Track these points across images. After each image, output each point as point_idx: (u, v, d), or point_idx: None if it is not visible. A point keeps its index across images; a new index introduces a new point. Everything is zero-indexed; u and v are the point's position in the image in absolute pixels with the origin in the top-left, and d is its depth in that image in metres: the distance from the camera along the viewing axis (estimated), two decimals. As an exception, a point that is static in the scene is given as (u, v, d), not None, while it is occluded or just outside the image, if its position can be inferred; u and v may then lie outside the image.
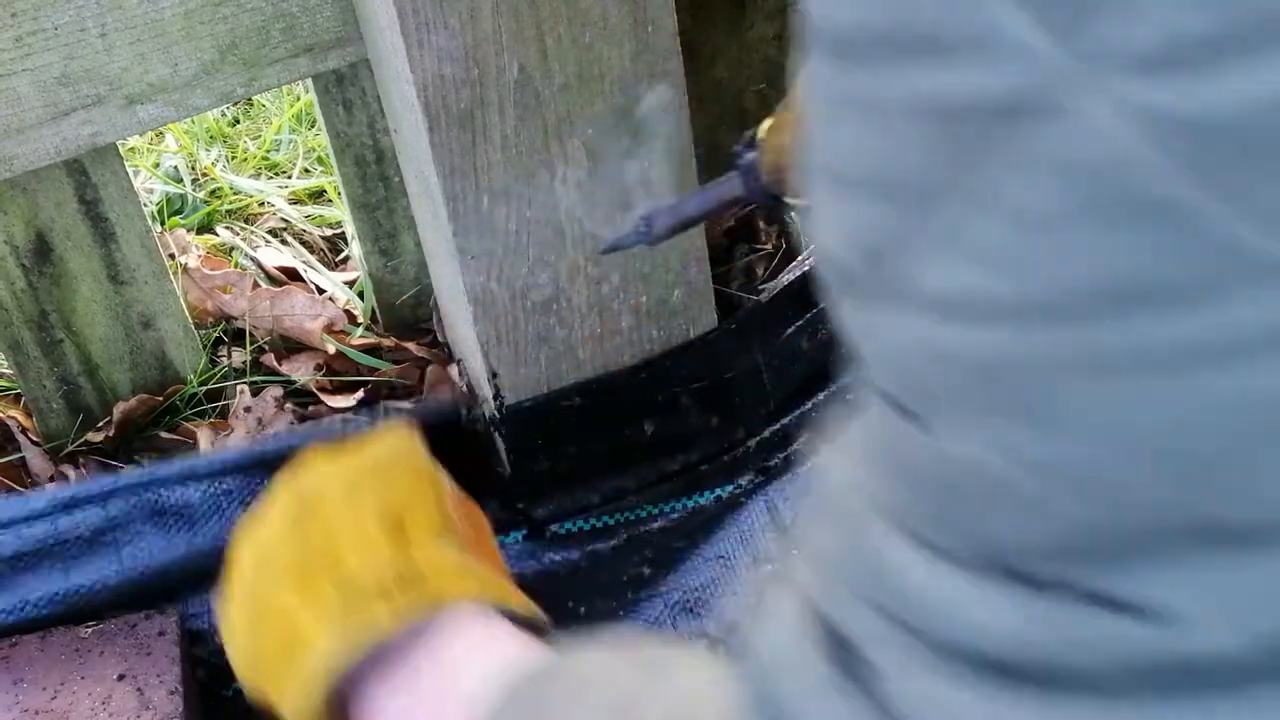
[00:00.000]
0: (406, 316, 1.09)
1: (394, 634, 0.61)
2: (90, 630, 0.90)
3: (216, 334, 1.09)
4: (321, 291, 1.13)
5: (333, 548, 0.66)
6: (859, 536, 0.34)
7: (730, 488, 0.99)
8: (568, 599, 0.93)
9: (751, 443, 1.02)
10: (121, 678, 0.88)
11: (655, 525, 0.98)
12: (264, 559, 0.68)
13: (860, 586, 0.33)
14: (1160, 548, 0.27)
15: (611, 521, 0.97)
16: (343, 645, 0.62)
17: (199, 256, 1.14)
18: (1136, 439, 0.26)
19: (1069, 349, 0.26)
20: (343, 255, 1.19)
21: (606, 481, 0.97)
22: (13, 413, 1.05)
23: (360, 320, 1.10)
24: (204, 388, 1.04)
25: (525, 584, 0.95)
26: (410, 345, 1.07)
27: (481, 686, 0.57)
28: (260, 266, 1.17)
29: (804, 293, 1.04)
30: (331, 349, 1.06)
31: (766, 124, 0.71)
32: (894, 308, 0.28)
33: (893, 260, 0.28)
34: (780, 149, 0.70)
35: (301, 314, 1.08)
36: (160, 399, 1.03)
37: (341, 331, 1.08)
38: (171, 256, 1.10)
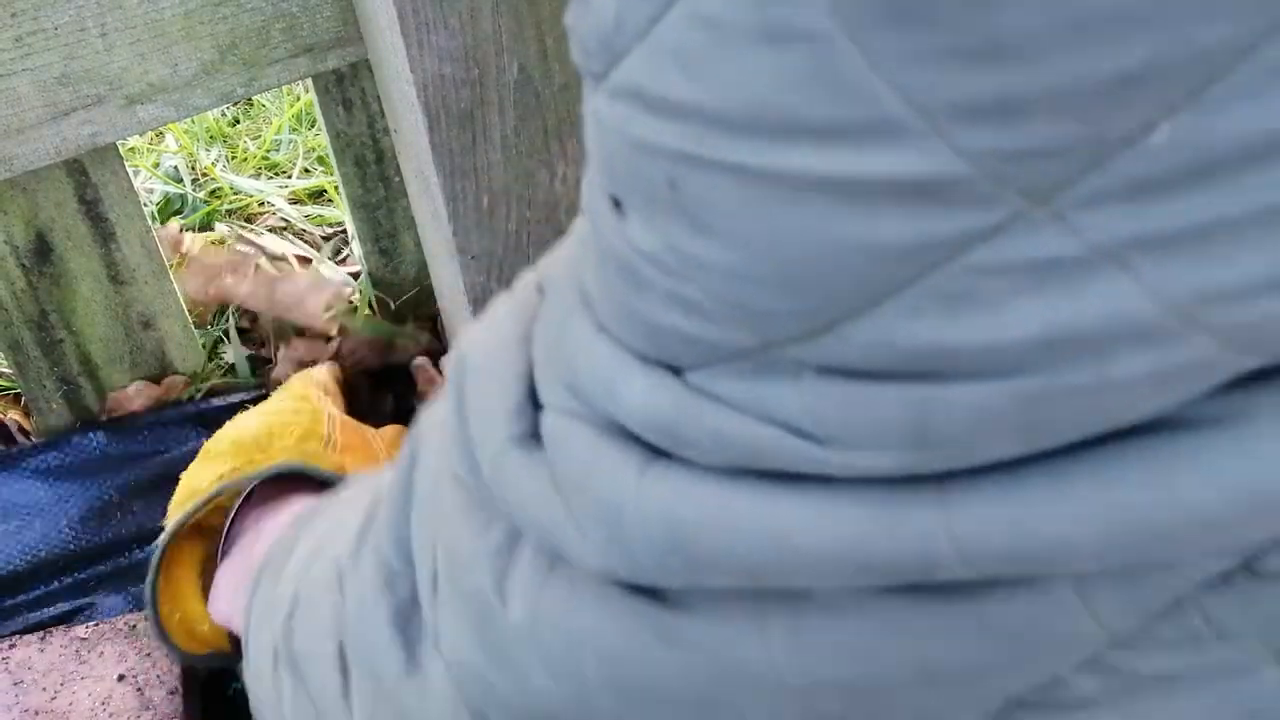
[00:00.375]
0: (407, 316, 1.09)
1: (211, 494, 0.82)
2: (90, 630, 0.90)
3: (217, 334, 1.09)
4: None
5: (210, 468, 0.85)
6: (566, 321, 0.39)
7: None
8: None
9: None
10: (121, 678, 0.88)
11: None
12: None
13: (556, 364, 0.39)
14: (774, 364, 0.31)
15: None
16: (175, 515, 0.83)
17: (199, 246, 1.14)
18: (767, 255, 0.29)
19: (727, 159, 0.28)
20: (342, 256, 1.19)
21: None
22: (13, 414, 1.05)
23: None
24: (205, 385, 1.04)
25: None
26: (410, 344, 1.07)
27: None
28: (263, 251, 1.17)
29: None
30: (334, 329, 1.06)
31: None
32: (610, 97, 0.31)
33: (613, 50, 0.30)
34: None
35: (305, 290, 1.08)
36: (161, 389, 1.03)
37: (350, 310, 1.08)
38: (181, 255, 1.10)
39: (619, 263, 0.34)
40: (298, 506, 0.77)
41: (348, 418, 0.92)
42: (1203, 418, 0.29)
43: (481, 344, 0.44)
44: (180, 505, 0.84)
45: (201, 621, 0.84)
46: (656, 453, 0.35)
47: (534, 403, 0.40)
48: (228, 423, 0.90)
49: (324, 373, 0.98)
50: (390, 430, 0.93)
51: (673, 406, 0.34)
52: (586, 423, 0.37)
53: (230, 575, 0.81)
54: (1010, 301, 0.27)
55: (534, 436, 0.40)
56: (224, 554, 0.84)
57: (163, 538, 0.83)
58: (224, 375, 1.08)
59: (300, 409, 0.90)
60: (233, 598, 0.79)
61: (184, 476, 0.87)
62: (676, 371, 0.34)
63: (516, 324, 0.43)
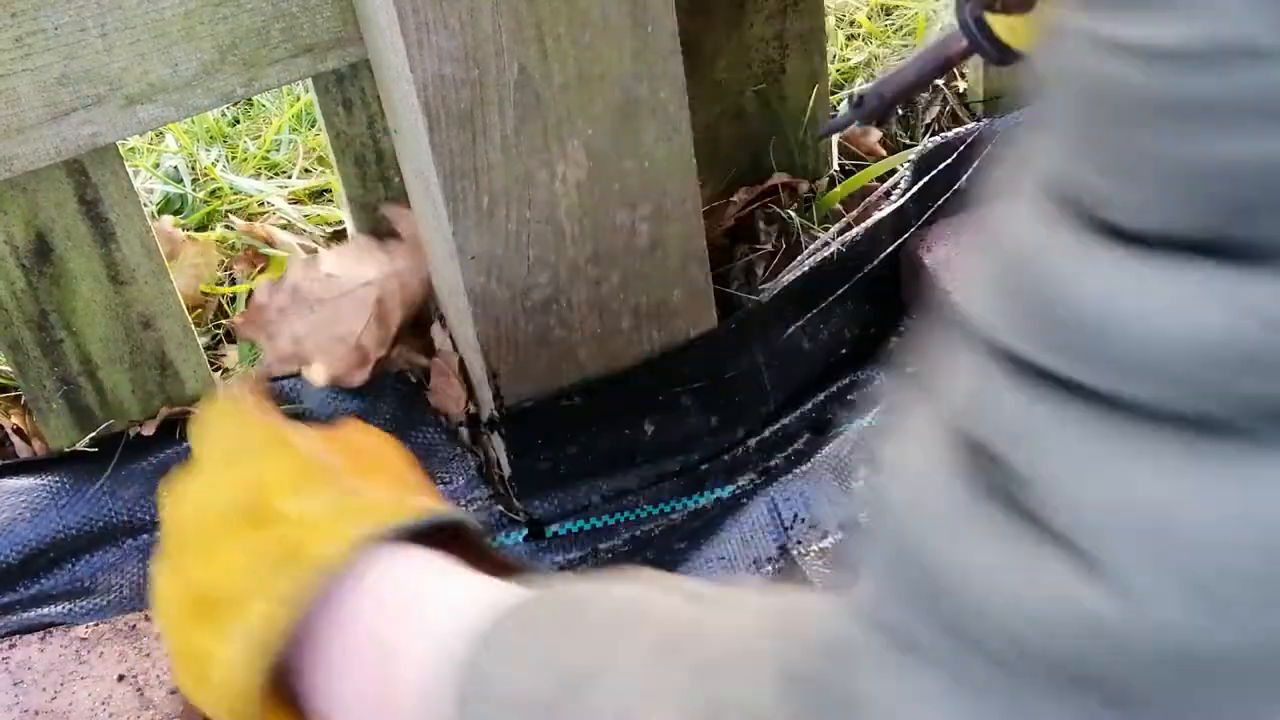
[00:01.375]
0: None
1: (296, 615, 0.56)
2: (90, 631, 0.90)
3: (218, 334, 1.09)
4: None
5: (201, 580, 0.61)
6: (1029, 268, 0.33)
7: (731, 488, 0.99)
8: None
9: (752, 442, 1.02)
10: (121, 678, 0.88)
11: (656, 526, 0.98)
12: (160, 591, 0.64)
13: (1029, 323, 0.33)
14: None
15: (612, 521, 0.97)
16: (244, 656, 0.56)
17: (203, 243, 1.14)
18: None
19: None
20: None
21: (607, 482, 0.97)
22: (13, 418, 1.05)
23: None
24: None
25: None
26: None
27: (432, 639, 0.53)
28: (269, 243, 1.17)
29: (804, 293, 1.04)
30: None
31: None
32: None
33: None
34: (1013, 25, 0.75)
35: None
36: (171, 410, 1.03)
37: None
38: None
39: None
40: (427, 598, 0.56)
41: (308, 431, 0.69)
42: None
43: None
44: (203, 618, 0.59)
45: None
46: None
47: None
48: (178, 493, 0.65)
49: (245, 382, 0.77)
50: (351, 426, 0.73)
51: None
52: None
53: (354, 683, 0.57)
54: None
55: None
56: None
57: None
58: (224, 376, 1.08)
59: (267, 445, 0.66)
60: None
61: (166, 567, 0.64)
62: None
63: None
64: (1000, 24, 0.77)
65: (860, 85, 0.78)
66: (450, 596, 0.56)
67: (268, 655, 0.56)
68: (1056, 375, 0.32)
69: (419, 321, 1.07)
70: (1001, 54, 0.78)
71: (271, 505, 0.61)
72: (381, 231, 1.06)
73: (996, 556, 0.33)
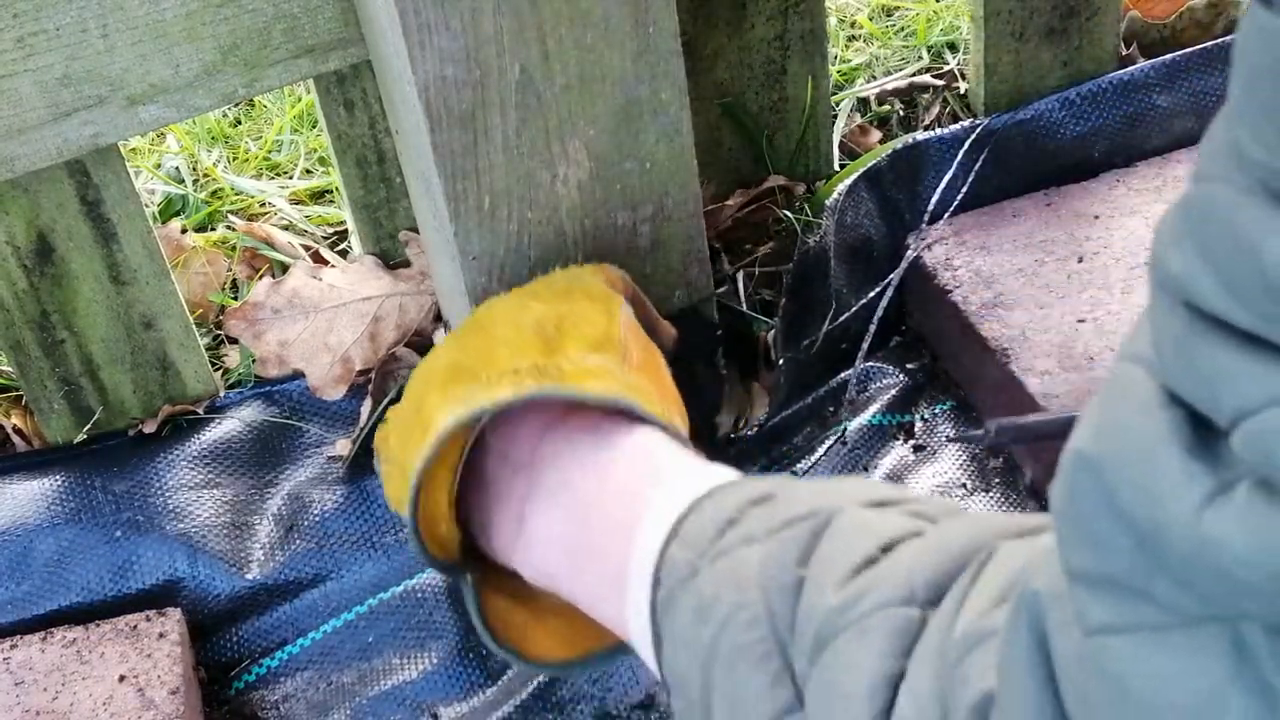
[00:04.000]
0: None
1: (513, 402, 0.66)
2: (91, 631, 0.91)
3: (219, 335, 1.09)
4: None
5: (487, 349, 0.71)
6: None
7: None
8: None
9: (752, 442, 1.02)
10: (123, 679, 0.88)
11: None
12: (421, 374, 0.74)
13: None
14: None
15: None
16: (457, 410, 0.66)
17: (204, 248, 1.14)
18: None
19: None
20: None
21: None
22: (14, 418, 1.05)
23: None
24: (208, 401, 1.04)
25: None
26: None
27: (647, 479, 0.61)
28: (269, 243, 1.17)
29: (802, 292, 1.04)
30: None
31: None
32: None
33: None
34: None
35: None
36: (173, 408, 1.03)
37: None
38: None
39: None
40: (633, 451, 0.64)
41: (640, 330, 0.77)
42: None
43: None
44: (455, 382, 0.70)
45: (440, 522, 0.71)
46: None
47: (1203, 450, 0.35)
48: (489, 301, 0.77)
49: (618, 271, 0.83)
50: None
51: None
52: None
53: (557, 524, 0.66)
54: None
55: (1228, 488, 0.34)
56: (483, 466, 0.71)
57: (441, 433, 0.67)
58: (224, 376, 1.08)
59: (595, 303, 0.75)
60: (562, 558, 0.65)
61: (446, 342, 0.75)
62: None
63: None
64: None
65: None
66: (675, 472, 0.62)
67: (494, 410, 0.66)
68: (1262, 338, 0.33)
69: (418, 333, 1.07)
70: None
71: (566, 340, 0.70)
72: (388, 258, 1.06)
73: (1210, 511, 0.34)
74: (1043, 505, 0.94)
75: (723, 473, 0.62)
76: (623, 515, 0.61)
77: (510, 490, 0.69)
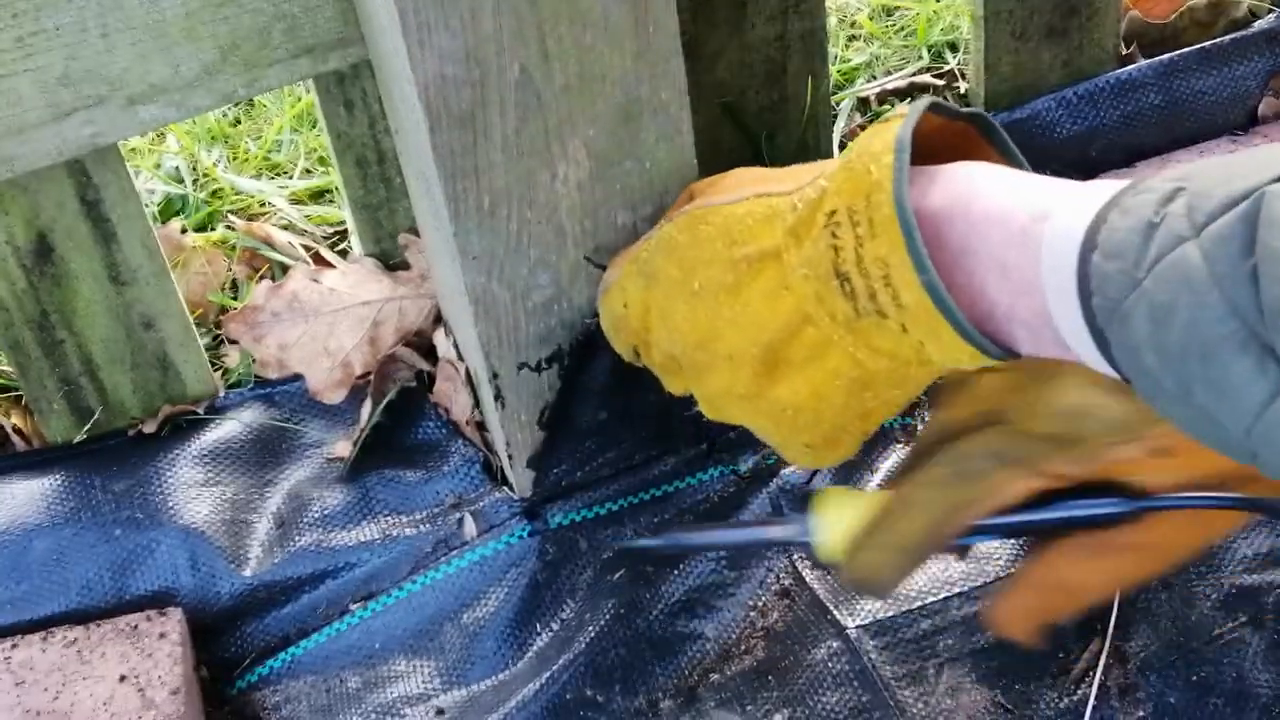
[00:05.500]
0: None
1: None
2: (92, 631, 0.91)
3: (220, 335, 1.09)
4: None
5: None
6: None
7: (728, 469, 0.99)
8: (569, 596, 0.93)
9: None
10: (123, 679, 0.88)
11: (660, 513, 0.97)
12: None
13: None
14: None
15: (615, 509, 0.97)
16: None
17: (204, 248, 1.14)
18: None
19: None
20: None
21: (610, 484, 0.97)
22: (14, 418, 1.05)
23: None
24: (208, 404, 1.04)
25: (534, 578, 0.95)
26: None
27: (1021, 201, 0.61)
28: (268, 243, 1.17)
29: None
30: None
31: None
32: None
33: None
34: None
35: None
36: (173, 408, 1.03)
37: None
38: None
39: None
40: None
41: None
42: None
43: None
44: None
45: None
46: None
47: None
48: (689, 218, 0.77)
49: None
50: None
51: None
52: None
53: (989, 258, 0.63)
54: None
55: None
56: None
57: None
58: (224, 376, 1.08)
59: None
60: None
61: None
62: None
63: None
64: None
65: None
66: (1054, 193, 0.62)
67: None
68: None
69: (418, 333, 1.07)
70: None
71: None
72: (387, 258, 1.06)
73: None
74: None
75: (1086, 187, 0.62)
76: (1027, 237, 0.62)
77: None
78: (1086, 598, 0.76)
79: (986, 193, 0.64)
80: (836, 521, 0.76)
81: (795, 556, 0.95)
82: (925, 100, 0.68)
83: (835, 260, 0.67)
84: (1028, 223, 0.61)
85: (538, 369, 0.90)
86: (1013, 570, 0.80)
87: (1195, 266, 0.53)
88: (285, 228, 1.22)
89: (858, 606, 0.91)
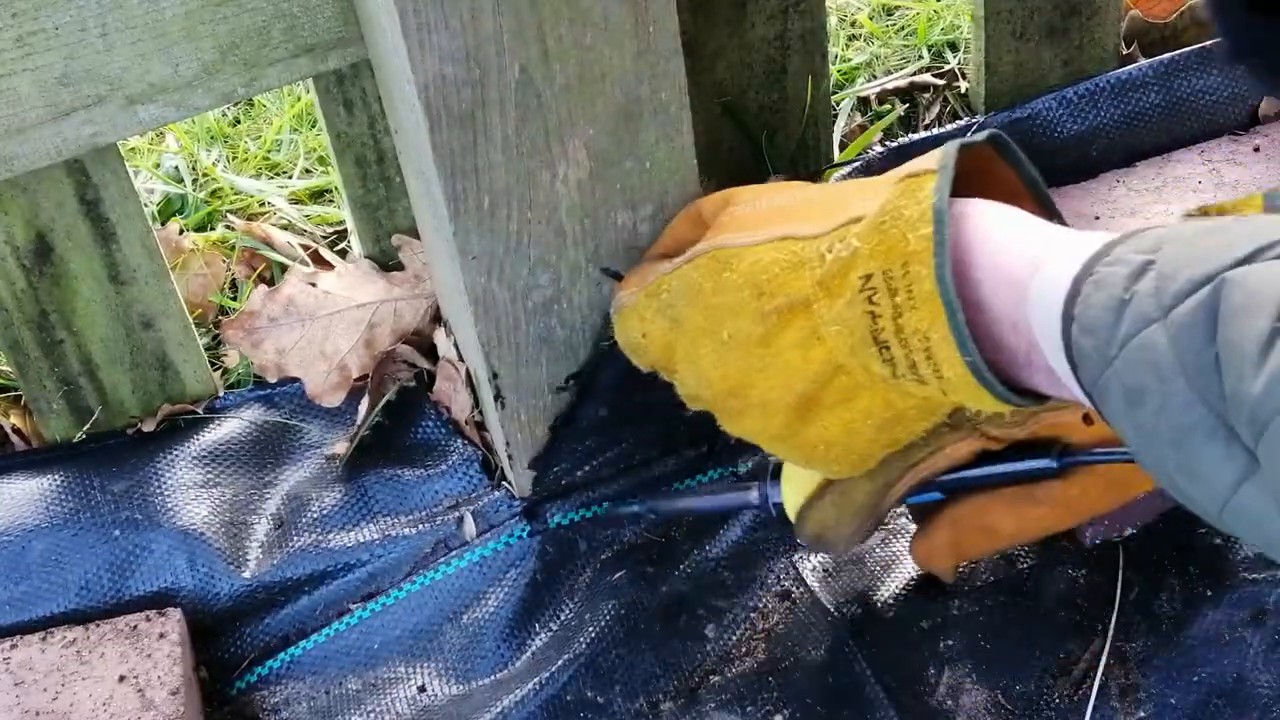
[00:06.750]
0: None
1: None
2: (91, 631, 0.91)
3: (219, 335, 1.09)
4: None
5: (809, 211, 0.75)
6: None
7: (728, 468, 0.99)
8: (569, 597, 0.93)
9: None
10: (123, 679, 0.88)
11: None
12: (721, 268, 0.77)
13: None
14: None
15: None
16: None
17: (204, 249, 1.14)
18: None
19: None
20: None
21: (610, 484, 0.97)
22: (13, 418, 1.05)
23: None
24: (208, 404, 1.04)
25: (533, 579, 0.95)
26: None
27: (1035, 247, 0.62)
28: (267, 243, 1.17)
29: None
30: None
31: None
32: None
33: None
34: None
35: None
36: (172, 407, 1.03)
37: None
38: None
39: None
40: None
41: None
42: None
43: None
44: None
45: None
46: None
47: None
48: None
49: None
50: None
51: None
52: None
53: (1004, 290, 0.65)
54: None
55: None
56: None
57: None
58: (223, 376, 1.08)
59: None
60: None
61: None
62: None
63: None
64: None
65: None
66: (1048, 239, 0.64)
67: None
68: None
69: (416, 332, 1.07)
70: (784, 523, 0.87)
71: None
72: (387, 258, 1.06)
73: None
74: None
75: (1075, 239, 0.63)
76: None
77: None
78: (1003, 542, 0.86)
79: (998, 248, 0.65)
80: (803, 484, 0.83)
81: (795, 558, 0.95)
82: (954, 149, 0.69)
83: (873, 327, 0.68)
84: (1027, 280, 0.63)
85: (559, 390, 0.91)
86: (937, 512, 0.84)
87: (1162, 352, 0.54)
88: (285, 227, 1.22)
89: (858, 608, 0.91)
